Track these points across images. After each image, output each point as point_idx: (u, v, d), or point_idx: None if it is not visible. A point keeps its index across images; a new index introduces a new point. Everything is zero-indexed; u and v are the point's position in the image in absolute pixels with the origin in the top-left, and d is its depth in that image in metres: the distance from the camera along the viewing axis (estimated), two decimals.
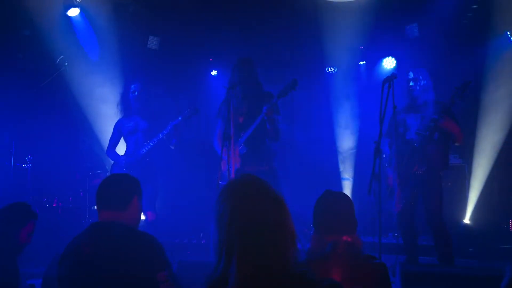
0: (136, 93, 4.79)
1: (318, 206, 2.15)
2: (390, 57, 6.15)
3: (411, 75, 4.05)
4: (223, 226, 1.35)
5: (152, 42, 6.31)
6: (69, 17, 5.68)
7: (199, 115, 4.77)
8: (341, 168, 6.24)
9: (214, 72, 7.04)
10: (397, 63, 6.11)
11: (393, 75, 3.48)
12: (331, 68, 6.55)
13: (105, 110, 6.19)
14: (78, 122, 6.69)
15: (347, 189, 6.10)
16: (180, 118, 4.62)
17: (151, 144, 4.69)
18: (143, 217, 5.77)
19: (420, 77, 4.04)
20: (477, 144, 5.35)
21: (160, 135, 4.66)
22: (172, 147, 4.80)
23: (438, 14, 5.31)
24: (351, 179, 6.07)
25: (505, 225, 5.11)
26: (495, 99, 5.33)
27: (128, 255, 1.93)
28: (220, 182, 3.66)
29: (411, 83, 4.04)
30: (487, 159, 5.32)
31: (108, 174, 5.50)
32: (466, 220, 5.25)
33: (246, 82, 4.10)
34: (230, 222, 1.33)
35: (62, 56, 5.86)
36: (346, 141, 6.31)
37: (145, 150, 4.72)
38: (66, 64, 5.91)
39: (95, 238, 2.02)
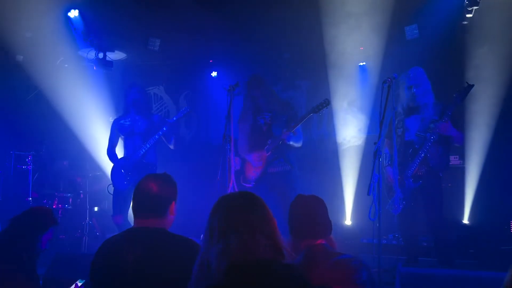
0: (135, 96, 4.80)
1: (291, 211, 2.17)
2: (390, 58, 6.14)
3: (411, 80, 4.04)
4: (209, 241, 1.51)
5: (152, 44, 6.32)
6: (69, 18, 5.68)
7: (198, 116, 4.81)
8: (343, 169, 6.23)
9: (214, 73, 7.05)
10: (397, 64, 6.11)
11: (392, 76, 3.48)
12: (331, 69, 6.55)
13: (104, 112, 6.21)
14: (79, 123, 6.70)
15: (349, 190, 6.09)
16: (174, 118, 4.72)
17: (148, 145, 4.71)
18: None
19: (420, 81, 4.04)
20: (477, 146, 5.34)
21: (156, 136, 4.69)
22: (171, 147, 4.83)
23: (438, 15, 5.31)
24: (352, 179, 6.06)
25: (505, 226, 5.10)
26: (505, 101, 5.33)
27: (172, 260, 1.89)
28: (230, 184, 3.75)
29: (413, 89, 4.03)
30: (487, 159, 5.32)
31: (108, 176, 5.51)
32: (466, 221, 5.24)
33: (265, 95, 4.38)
34: (217, 236, 1.48)
35: (62, 58, 5.87)
36: (348, 142, 6.30)
37: (142, 152, 4.73)
38: (66, 65, 5.93)
39: (137, 244, 1.96)
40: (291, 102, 4.46)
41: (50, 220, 2.80)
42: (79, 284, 2.82)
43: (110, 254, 1.97)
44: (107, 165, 5.82)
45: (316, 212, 2.14)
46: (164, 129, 4.67)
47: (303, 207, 2.15)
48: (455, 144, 4.06)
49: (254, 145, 4.48)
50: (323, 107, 4.14)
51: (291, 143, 4.29)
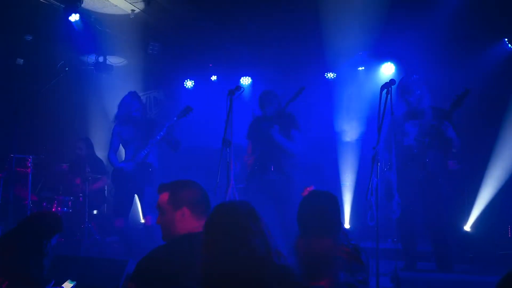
0: (133, 103, 4.82)
1: (303, 208, 2.14)
2: (389, 63, 6.17)
3: (405, 88, 4.06)
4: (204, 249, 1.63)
5: (152, 48, 6.35)
6: (71, 22, 5.69)
7: (198, 119, 4.82)
8: (341, 173, 6.24)
9: (213, 77, 7.06)
10: (397, 68, 6.13)
11: (391, 81, 3.50)
12: (330, 73, 6.57)
13: (105, 115, 6.21)
14: (79, 126, 6.71)
15: (347, 195, 6.10)
16: (175, 118, 4.70)
17: (149, 147, 4.73)
18: (142, 220, 5.78)
19: (414, 87, 4.05)
20: (476, 151, 5.35)
21: (158, 137, 4.70)
22: (174, 150, 4.83)
23: (439, 19, 5.33)
24: (350, 185, 6.09)
25: (504, 231, 5.10)
26: (504, 107, 5.35)
27: None
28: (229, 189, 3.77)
29: (405, 97, 4.06)
30: (486, 164, 5.33)
31: (109, 179, 5.50)
32: (465, 226, 5.24)
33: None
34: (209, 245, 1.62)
35: (62, 61, 5.89)
36: (346, 147, 6.32)
37: (143, 154, 4.75)
38: (67, 69, 5.94)
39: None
40: (292, 113, 4.51)
41: (60, 227, 2.81)
42: (70, 285, 2.81)
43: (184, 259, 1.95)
44: (107, 168, 5.83)
45: (327, 210, 2.10)
46: (165, 129, 4.68)
47: (315, 204, 2.11)
48: (452, 149, 4.07)
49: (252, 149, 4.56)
50: (298, 94, 4.31)
51: (276, 138, 4.28)
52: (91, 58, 6.38)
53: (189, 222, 2.10)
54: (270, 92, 4.60)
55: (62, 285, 2.81)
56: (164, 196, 2.19)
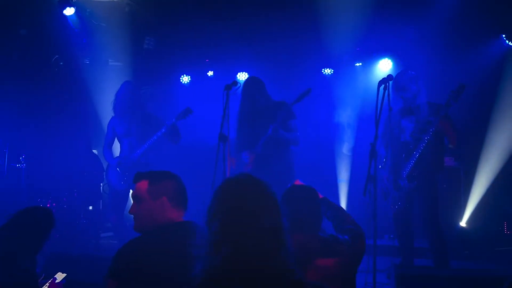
0: (129, 96, 4.75)
1: (284, 203, 2.09)
2: (387, 59, 6.15)
3: (399, 84, 4.04)
4: (215, 224, 1.39)
5: (148, 43, 6.30)
6: (65, 16, 5.63)
7: (194, 115, 4.76)
8: (338, 170, 6.24)
9: (210, 73, 7.02)
10: (394, 64, 6.12)
11: (389, 76, 3.47)
12: (328, 69, 6.54)
13: (100, 111, 6.16)
14: (74, 122, 6.66)
15: (343, 191, 6.09)
16: (174, 120, 4.63)
17: (146, 145, 4.66)
18: None
19: (410, 84, 4.03)
20: (473, 147, 5.36)
21: (155, 137, 4.63)
22: (175, 143, 4.79)
23: (436, 15, 5.31)
24: (346, 181, 6.08)
25: (499, 227, 5.12)
26: (500, 103, 5.35)
27: None
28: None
29: (400, 94, 4.04)
30: (482, 161, 5.33)
31: (104, 175, 5.46)
32: (461, 222, 5.25)
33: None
34: (222, 222, 1.38)
35: (57, 56, 5.83)
36: (343, 143, 6.31)
37: (140, 152, 4.69)
38: (61, 63, 5.88)
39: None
40: (286, 102, 4.39)
41: (52, 223, 2.78)
42: (63, 276, 2.78)
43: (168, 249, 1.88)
44: (102, 163, 5.79)
45: (308, 206, 2.13)
46: (163, 130, 4.62)
47: (297, 200, 2.13)
48: (449, 145, 4.06)
49: (247, 144, 4.46)
50: (305, 95, 4.20)
51: (281, 136, 4.19)
52: (86, 53, 6.32)
53: (168, 212, 2.06)
54: (259, 81, 4.43)
55: (55, 276, 2.77)
56: (143, 185, 2.14)
